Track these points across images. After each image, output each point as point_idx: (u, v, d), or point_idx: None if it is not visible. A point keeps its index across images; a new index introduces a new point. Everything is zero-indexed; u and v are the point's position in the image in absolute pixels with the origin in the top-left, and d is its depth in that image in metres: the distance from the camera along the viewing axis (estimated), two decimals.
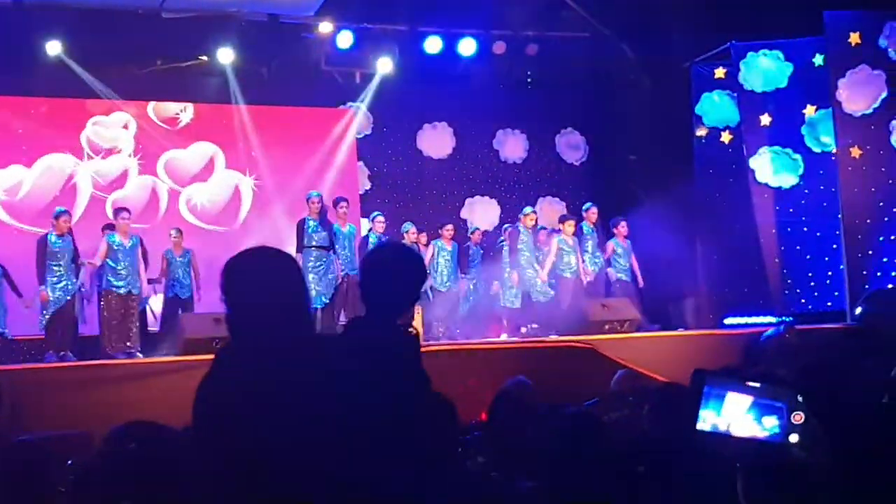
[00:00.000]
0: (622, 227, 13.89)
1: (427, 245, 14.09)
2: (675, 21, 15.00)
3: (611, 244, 13.87)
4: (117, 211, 12.68)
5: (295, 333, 2.83)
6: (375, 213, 13.77)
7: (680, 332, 13.03)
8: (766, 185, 14.56)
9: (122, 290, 11.91)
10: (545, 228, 14.79)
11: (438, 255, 13.85)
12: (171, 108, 15.68)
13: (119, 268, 11.91)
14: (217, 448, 2.73)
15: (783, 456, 2.80)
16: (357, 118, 16.51)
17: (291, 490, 2.64)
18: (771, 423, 2.80)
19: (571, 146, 18.08)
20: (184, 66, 15.27)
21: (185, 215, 15.40)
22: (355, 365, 2.89)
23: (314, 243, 12.51)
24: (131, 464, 3.29)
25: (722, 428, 2.83)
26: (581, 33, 16.34)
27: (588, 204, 14.18)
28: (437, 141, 17.29)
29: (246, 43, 14.98)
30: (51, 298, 11.73)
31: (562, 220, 14.00)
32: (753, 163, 14.61)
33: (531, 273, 13.49)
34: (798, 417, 2.79)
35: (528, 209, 14.14)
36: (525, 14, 15.82)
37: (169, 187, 15.56)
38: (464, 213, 17.03)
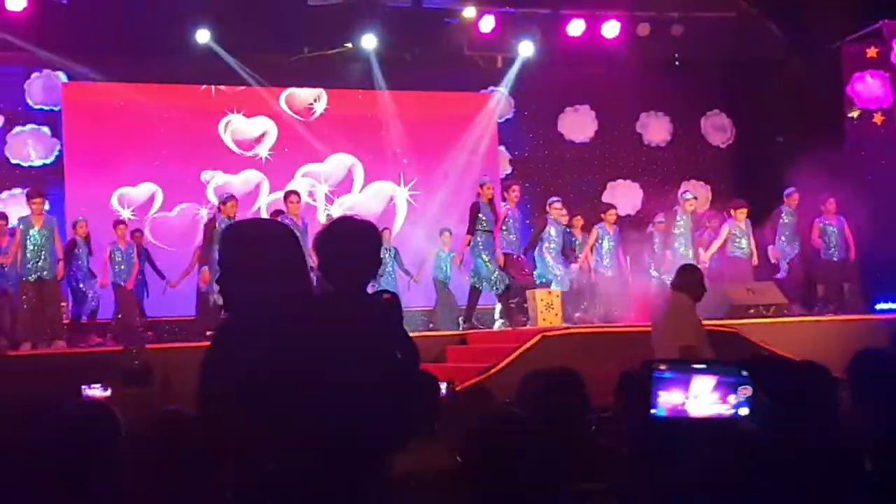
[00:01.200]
0: (830, 205, 13.60)
1: (586, 230, 13.96)
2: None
3: (817, 224, 13.63)
4: (287, 195, 12.91)
5: (291, 301, 2.93)
6: (553, 198, 13.69)
7: (829, 316, 12.68)
8: None
9: None
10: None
11: (602, 238, 13.75)
12: (306, 96, 15.93)
13: None
14: (232, 422, 2.83)
15: (735, 431, 2.84)
16: (499, 102, 16.56)
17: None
18: (736, 400, 2.85)
19: (717, 128, 17.77)
20: (330, 53, 15.57)
21: None
22: (342, 334, 2.98)
23: (483, 227, 12.69)
24: None
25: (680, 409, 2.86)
26: (727, 13, 16.02)
27: (790, 189, 13.87)
28: (578, 124, 17.22)
29: (389, 29, 15.18)
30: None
31: (735, 206, 13.79)
32: None
33: (688, 258, 13.31)
34: (744, 391, 2.82)
35: (688, 195, 14.18)
36: None
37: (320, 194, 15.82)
38: (605, 197, 16.86)
